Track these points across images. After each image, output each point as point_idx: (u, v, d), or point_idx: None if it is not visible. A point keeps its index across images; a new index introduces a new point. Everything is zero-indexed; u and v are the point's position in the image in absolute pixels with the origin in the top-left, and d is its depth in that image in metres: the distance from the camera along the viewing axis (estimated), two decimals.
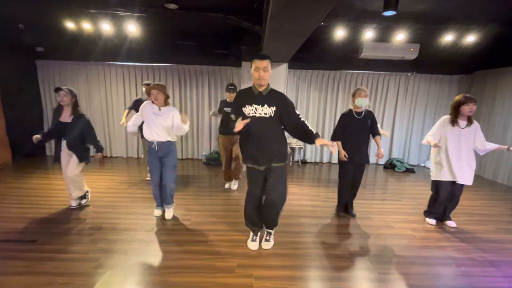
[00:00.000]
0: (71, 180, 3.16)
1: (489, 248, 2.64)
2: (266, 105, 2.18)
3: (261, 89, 2.20)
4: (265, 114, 2.18)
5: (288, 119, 2.23)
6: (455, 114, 2.89)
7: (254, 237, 2.55)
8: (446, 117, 2.97)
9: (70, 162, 3.14)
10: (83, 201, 3.36)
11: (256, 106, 2.18)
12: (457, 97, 2.89)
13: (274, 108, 2.19)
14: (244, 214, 2.55)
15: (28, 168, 4.87)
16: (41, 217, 2.99)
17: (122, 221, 2.94)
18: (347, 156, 2.98)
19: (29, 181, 4.19)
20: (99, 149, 3.18)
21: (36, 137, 3.03)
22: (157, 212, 3.13)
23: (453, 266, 2.33)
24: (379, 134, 3.16)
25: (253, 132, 2.21)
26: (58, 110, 3.12)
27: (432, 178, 3.10)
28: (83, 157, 3.17)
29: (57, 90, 3.04)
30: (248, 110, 2.19)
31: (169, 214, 3.10)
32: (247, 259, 2.32)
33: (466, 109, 2.83)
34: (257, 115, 2.18)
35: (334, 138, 3.08)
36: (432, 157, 3.09)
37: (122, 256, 2.29)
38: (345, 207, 3.30)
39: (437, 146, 2.91)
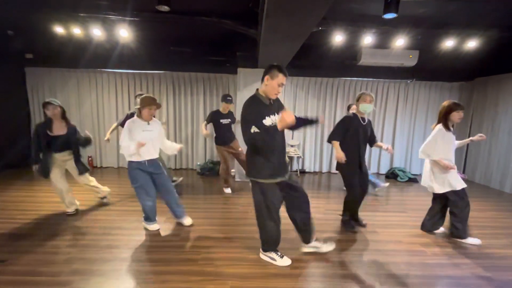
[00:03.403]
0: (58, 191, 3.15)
1: (508, 266, 2.40)
2: (276, 114, 2.19)
3: (269, 99, 2.18)
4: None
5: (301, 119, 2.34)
6: (445, 121, 2.72)
7: (279, 253, 2.35)
8: (441, 127, 2.74)
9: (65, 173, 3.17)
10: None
11: (272, 116, 2.15)
12: (447, 104, 2.73)
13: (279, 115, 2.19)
14: (268, 241, 2.32)
15: (10, 179, 4.58)
16: (16, 233, 2.72)
17: (105, 237, 2.67)
18: (345, 160, 2.75)
19: (9, 193, 3.91)
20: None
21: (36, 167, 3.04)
22: (155, 226, 2.91)
23: (472, 287, 2.08)
24: (375, 142, 3.06)
25: (277, 143, 2.15)
26: (48, 124, 3.01)
27: (452, 189, 2.73)
28: (85, 168, 3.30)
29: (46, 104, 2.98)
30: (268, 121, 2.11)
31: (188, 220, 3.02)
32: (241, 281, 2.06)
33: (457, 116, 2.68)
34: (275, 123, 2.12)
35: (333, 137, 2.86)
36: (437, 169, 2.79)
37: (99, 279, 2.02)
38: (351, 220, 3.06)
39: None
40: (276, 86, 2.08)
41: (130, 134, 2.62)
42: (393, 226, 3.15)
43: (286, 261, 2.30)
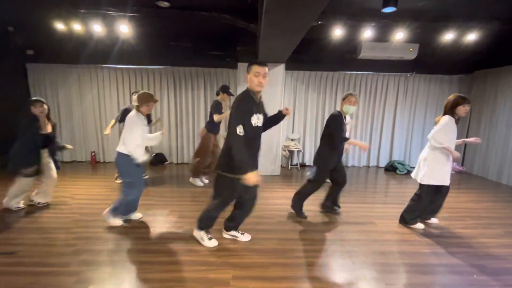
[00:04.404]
0: (54, 182, 3.34)
1: (501, 254, 2.48)
2: (261, 114, 2.25)
3: (259, 97, 2.23)
4: (260, 124, 2.25)
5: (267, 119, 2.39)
6: (452, 114, 2.74)
7: (240, 231, 2.66)
8: (451, 117, 2.76)
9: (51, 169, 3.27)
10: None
11: (259, 115, 2.21)
12: (452, 97, 2.74)
13: (262, 117, 2.28)
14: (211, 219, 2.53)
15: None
16: (22, 227, 2.80)
17: (110, 230, 2.75)
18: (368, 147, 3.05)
19: None
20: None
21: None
22: (138, 215, 3.06)
23: (464, 274, 2.16)
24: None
25: (254, 142, 2.22)
26: (37, 123, 3.04)
27: (434, 183, 2.80)
28: (58, 166, 3.36)
29: (35, 102, 3.03)
30: (255, 120, 2.18)
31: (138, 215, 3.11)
32: (243, 270, 2.14)
33: (463, 110, 2.69)
34: (259, 125, 2.22)
35: (345, 138, 2.91)
36: (440, 159, 2.78)
37: (107, 269, 2.10)
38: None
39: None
40: (253, 77, 2.10)
41: (138, 130, 2.65)
42: (390, 218, 3.23)
43: (246, 237, 2.62)
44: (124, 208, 2.82)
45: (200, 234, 2.53)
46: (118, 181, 4.32)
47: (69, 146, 3.50)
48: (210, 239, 2.51)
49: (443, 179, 2.79)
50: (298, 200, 3.21)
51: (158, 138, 3.00)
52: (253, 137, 2.19)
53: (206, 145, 4.12)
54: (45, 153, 3.19)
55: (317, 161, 3.12)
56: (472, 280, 2.09)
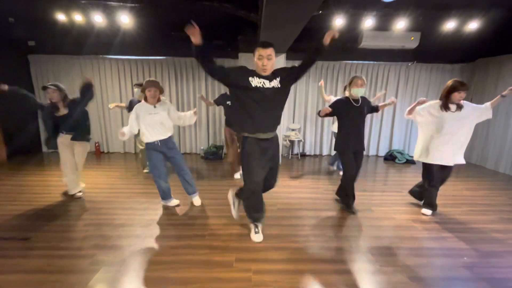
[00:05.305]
0: (80, 167, 3.39)
1: (493, 238, 2.59)
2: (274, 80, 2.21)
3: (263, 73, 2.21)
4: (273, 86, 2.20)
5: (294, 70, 2.24)
6: (446, 100, 2.74)
7: (257, 229, 2.49)
8: (435, 101, 2.82)
9: (75, 154, 3.29)
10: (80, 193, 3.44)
11: (264, 80, 2.18)
12: (450, 82, 2.71)
13: (279, 79, 2.22)
14: (248, 207, 2.45)
15: (23, 165, 4.79)
16: (35, 214, 2.93)
17: (118, 217, 2.87)
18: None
19: (23, 178, 4.12)
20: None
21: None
22: (174, 201, 3.17)
23: (456, 257, 2.27)
24: (378, 106, 3.19)
25: (260, 102, 2.18)
26: (53, 107, 3.11)
27: (426, 161, 2.95)
28: (86, 139, 3.38)
29: (45, 88, 3.07)
30: (256, 82, 2.15)
31: (197, 201, 3.23)
32: (245, 253, 2.26)
33: (457, 96, 2.69)
34: (266, 86, 2.18)
35: (318, 113, 2.96)
36: (429, 141, 2.90)
37: (118, 252, 2.23)
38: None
39: (424, 100, 2.78)
40: (257, 60, 2.12)
41: (137, 119, 2.86)
42: (388, 205, 3.33)
43: (258, 237, 2.45)
44: (160, 194, 3.08)
45: (250, 227, 2.54)
46: (145, 170, 4.47)
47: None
48: (256, 233, 2.47)
49: (429, 157, 2.89)
50: (342, 194, 3.20)
51: (192, 118, 3.10)
52: (253, 98, 2.15)
53: (229, 139, 4.22)
54: (68, 138, 3.21)
55: (334, 147, 3.14)
56: (463, 262, 2.20)
